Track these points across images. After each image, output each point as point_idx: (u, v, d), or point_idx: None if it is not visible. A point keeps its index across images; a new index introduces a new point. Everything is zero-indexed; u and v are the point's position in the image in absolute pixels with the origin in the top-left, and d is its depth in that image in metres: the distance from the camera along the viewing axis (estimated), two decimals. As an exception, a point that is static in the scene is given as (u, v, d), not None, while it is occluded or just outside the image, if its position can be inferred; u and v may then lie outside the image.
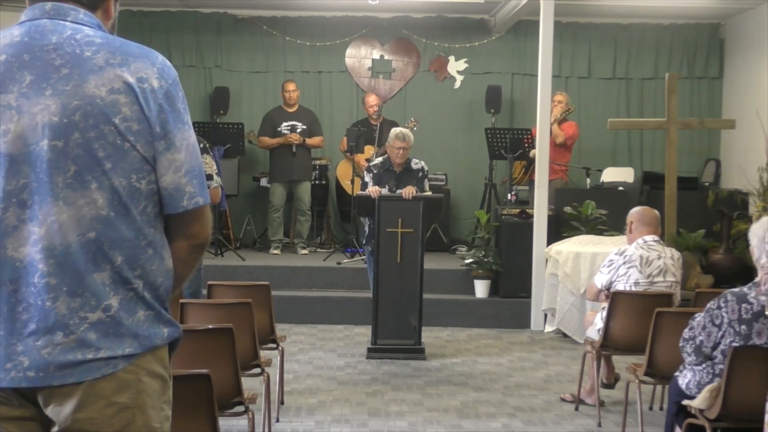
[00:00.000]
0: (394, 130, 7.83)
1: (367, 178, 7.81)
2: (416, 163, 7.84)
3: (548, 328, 8.74)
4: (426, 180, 7.85)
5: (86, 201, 2.12)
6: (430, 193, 7.85)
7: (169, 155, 2.20)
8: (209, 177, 6.05)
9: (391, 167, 7.79)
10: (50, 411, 2.11)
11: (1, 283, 2.09)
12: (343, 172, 10.91)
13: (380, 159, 7.97)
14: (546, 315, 8.78)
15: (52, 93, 2.12)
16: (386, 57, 11.83)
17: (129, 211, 2.15)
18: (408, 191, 7.47)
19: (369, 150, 10.42)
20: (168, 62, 2.28)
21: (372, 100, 10.76)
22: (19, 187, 2.10)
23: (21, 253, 2.10)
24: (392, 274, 7.50)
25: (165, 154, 2.19)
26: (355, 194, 8.42)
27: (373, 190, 7.55)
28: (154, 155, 2.19)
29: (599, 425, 5.78)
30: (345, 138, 10.67)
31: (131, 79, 2.16)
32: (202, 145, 6.16)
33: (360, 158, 10.29)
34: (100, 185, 2.12)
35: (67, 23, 2.20)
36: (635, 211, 6.01)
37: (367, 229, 7.93)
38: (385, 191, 7.60)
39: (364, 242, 8.21)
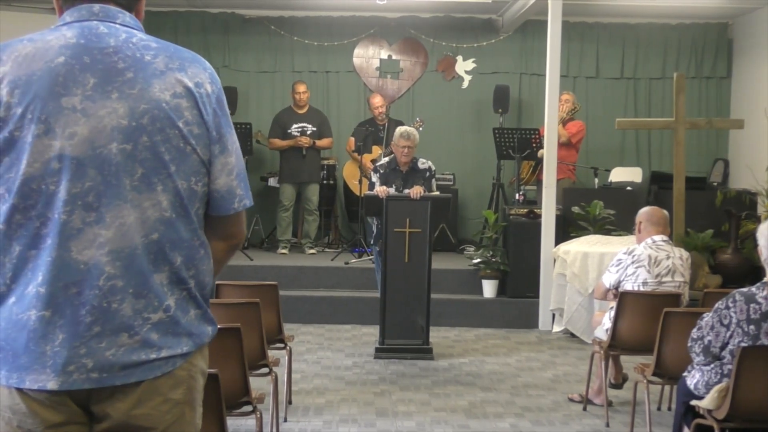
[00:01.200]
0: (399, 129, 7.82)
1: (374, 178, 7.80)
2: (423, 163, 7.83)
3: (556, 328, 8.74)
4: (433, 180, 7.84)
5: (152, 203, 2.15)
6: (437, 193, 7.84)
7: (222, 158, 2.26)
8: None
9: (397, 167, 7.78)
10: (105, 407, 2.13)
11: (65, 286, 2.09)
12: (349, 172, 10.90)
13: (386, 159, 7.96)
14: (554, 315, 8.78)
15: (119, 96, 2.14)
16: (394, 57, 11.83)
17: (188, 213, 2.20)
18: (416, 191, 7.46)
19: (376, 150, 10.41)
20: (212, 68, 2.33)
21: (377, 101, 10.74)
22: (85, 189, 2.11)
23: (86, 256, 2.10)
24: (400, 274, 7.50)
25: (219, 157, 2.25)
26: (362, 194, 8.42)
27: (380, 190, 7.55)
28: (210, 158, 2.24)
29: (607, 425, 5.77)
30: (351, 138, 10.68)
31: (190, 84, 2.20)
32: None
33: (366, 159, 10.28)
34: (165, 188, 2.16)
35: (118, 26, 2.22)
36: (644, 211, 6.00)
37: (375, 229, 7.93)
38: (392, 191, 7.60)
39: (372, 242, 8.21)
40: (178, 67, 2.20)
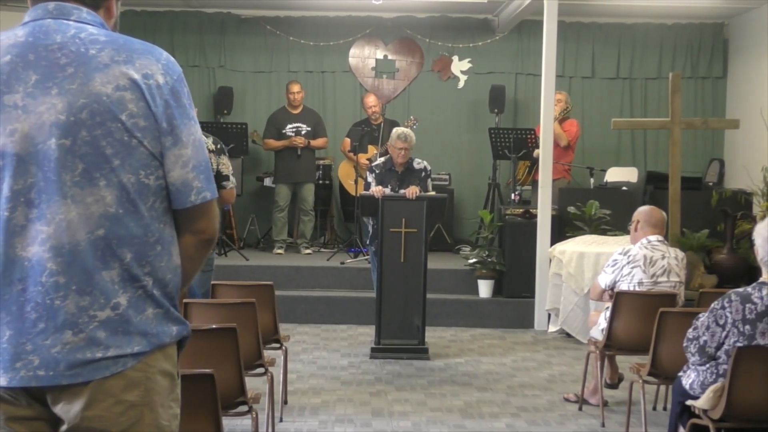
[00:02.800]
0: (396, 131, 7.82)
1: (370, 178, 7.81)
2: (419, 163, 7.83)
3: (552, 328, 8.74)
4: (429, 180, 7.84)
5: (94, 198, 2.12)
6: (433, 192, 7.84)
7: (176, 150, 2.21)
8: (226, 177, 6.01)
9: (393, 167, 7.79)
10: (59, 409, 2.12)
11: (10, 282, 2.10)
12: (344, 172, 10.90)
13: (382, 159, 7.96)
14: (549, 315, 8.78)
15: (58, 92, 2.13)
16: (390, 57, 11.83)
17: (137, 208, 2.16)
18: (411, 191, 7.46)
19: (372, 150, 10.40)
20: (172, 58, 2.30)
21: (371, 101, 10.74)
22: (26, 186, 2.11)
23: (29, 252, 2.10)
24: (396, 274, 7.50)
25: (172, 149, 2.20)
26: (358, 194, 8.40)
27: (376, 190, 7.55)
28: (162, 151, 2.20)
29: (603, 425, 5.77)
30: (346, 139, 10.68)
31: (137, 76, 2.17)
32: (219, 146, 6.13)
33: (361, 158, 10.28)
34: (108, 182, 2.13)
35: (71, 22, 2.21)
36: (643, 211, 5.99)
37: (371, 229, 7.93)
38: (387, 191, 7.60)
39: (368, 242, 8.21)
40: (124, 60, 2.18)
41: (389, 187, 7.66)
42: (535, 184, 9.89)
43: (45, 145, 2.11)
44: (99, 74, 2.15)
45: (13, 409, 2.12)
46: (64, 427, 2.13)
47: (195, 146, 2.24)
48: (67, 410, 2.12)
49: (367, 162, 9.81)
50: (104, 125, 2.13)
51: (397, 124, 9.52)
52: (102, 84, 2.14)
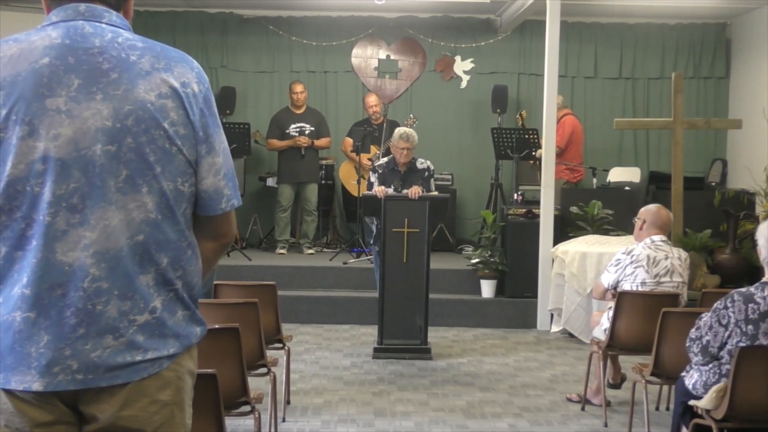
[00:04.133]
0: (398, 130, 7.82)
1: (373, 178, 7.81)
2: (422, 163, 7.83)
3: (554, 328, 8.74)
4: (432, 180, 7.84)
5: (137, 204, 2.14)
6: (436, 192, 7.84)
7: (209, 159, 2.24)
8: None
9: (396, 167, 7.79)
10: (92, 409, 2.13)
11: (50, 288, 2.09)
12: (345, 173, 10.89)
13: (385, 159, 7.96)
14: (552, 315, 8.78)
15: (103, 97, 2.13)
16: (392, 57, 11.83)
17: (174, 214, 2.19)
18: (414, 191, 7.46)
19: (373, 150, 10.39)
20: (201, 67, 2.32)
21: (372, 100, 10.72)
22: (69, 191, 2.10)
23: (70, 257, 2.09)
24: (398, 274, 7.50)
25: (206, 157, 2.24)
26: (361, 194, 8.39)
27: (379, 190, 7.55)
28: (197, 159, 2.22)
29: (605, 425, 5.77)
30: (348, 139, 10.67)
31: (176, 84, 2.19)
32: None
33: (363, 158, 10.28)
34: (150, 189, 2.15)
35: (104, 25, 2.21)
36: (650, 211, 5.96)
37: (374, 228, 7.93)
38: (390, 191, 7.60)
39: (371, 242, 8.21)
40: (164, 67, 2.19)
41: (392, 186, 7.66)
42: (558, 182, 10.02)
43: (90, 150, 2.11)
44: (142, 81, 2.15)
45: (40, 414, 2.11)
46: (94, 427, 2.15)
47: (225, 154, 2.29)
48: (103, 410, 2.13)
49: (370, 162, 9.82)
50: (149, 132, 2.14)
51: (398, 124, 9.52)
52: (146, 91, 2.15)
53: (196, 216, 2.28)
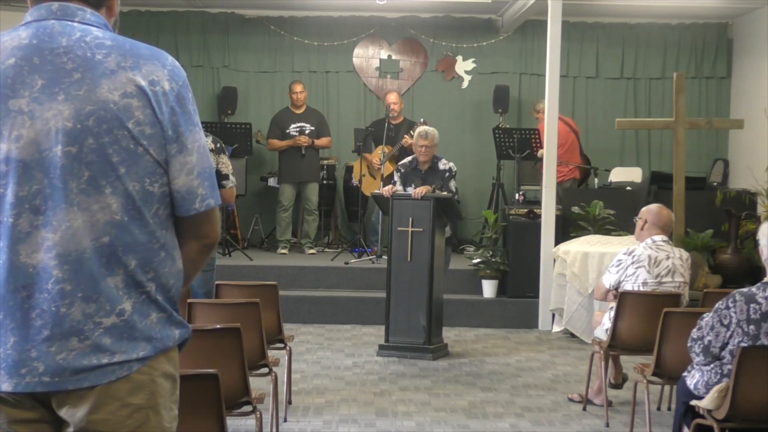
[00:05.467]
0: (419, 129, 7.88)
1: (396, 177, 7.87)
2: (444, 164, 7.83)
3: (556, 328, 8.74)
4: (452, 180, 7.81)
5: (100, 206, 2.11)
6: (454, 191, 7.78)
7: (181, 158, 2.19)
8: (225, 177, 5.99)
9: (417, 166, 7.82)
10: (64, 413, 2.12)
11: (15, 289, 2.08)
12: (358, 171, 10.80)
13: (408, 159, 8.02)
14: (554, 315, 8.77)
15: (65, 98, 2.11)
16: (394, 57, 11.83)
17: (142, 215, 2.15)
18: (418, 191, 7.46)
19: (383, 150, 10.34)
20: (177, 63, 2.27)
21: (392, 98, 10.65)
22: (32, 193, 2.09)
23: (34, 259, 2.09)
24: (403, 273, 7.50)
25: (177, 157, 2.19)
26: (371, 193, 8.36)
27: (385, 189, 7.59)
28: (167, 158, 2.18)
29: (607, 425, 5.77)
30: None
31: (143, 83, 2.15)
32: (218, 145, 6.11)
33: (373, 157, 10.30)
34: (114, 190, 2.12)
35: (75, 24, 2.18)
36: (651, 212, 5.94)
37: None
38: (400, 190, 7.63)
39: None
40: (131, 66, 2.16)
41: (413, 185, 7.67)
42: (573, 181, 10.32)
43: (51, 151, 2.10)
44: (106, 80, 2.13)
45: (16, 412, 2.12)
46: (69, 430, 2.14)
47: (200, 153, 2.23)
48: (73, 414, 2.12)
49: (378, 162, 9.87)
50: (111, 133, 2.11)
51: (413, 125, 9.56)
52: (109, 91, 2.12)
53: (177, 217, 2.24)
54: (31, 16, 2.20)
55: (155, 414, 2.19)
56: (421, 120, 10.21)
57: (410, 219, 7.47)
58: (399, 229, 7.50)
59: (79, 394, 2.10)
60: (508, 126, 10.99)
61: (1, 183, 2.09)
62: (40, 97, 2.11)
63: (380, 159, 10.02)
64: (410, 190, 7.62)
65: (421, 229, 7.47)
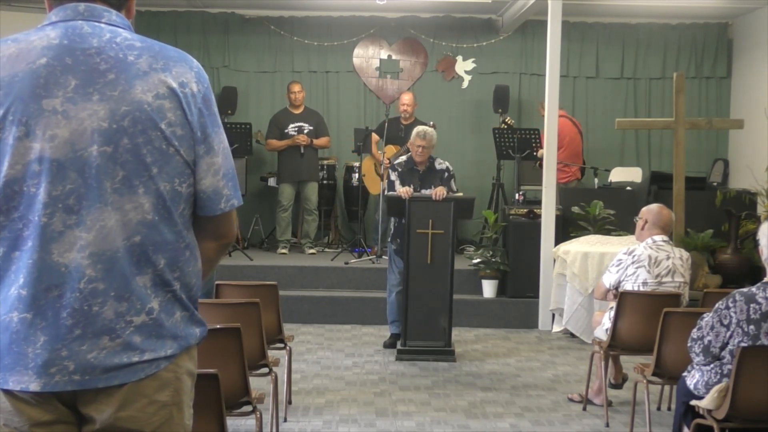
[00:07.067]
0: (416, 129, 7.78)
1: (393, 176, 7.75)
2: (440, 164, 7.77)
3: (556, 328, 8.74)
4: (453, 180, 7.74)
5: (133, 206, 2.13)
6: (461, 194, 7.74)
7: (208, 159, 2.23)
8: None
9: (414, 166, 7.75)
10: (91, 410, 2.14)
11: (47, 288, 2.09)
12: (367, 168, 10.77)
13: (404, 158, 7.90)
14: (554, 315, 8.77)
15: (100, 98, 2.12)
16: (394, 57, 11.83)
17: (171, 215, 2.18)
18: (439, 192, 7.38)
19: (392, 150, 10.33)
20: (200, 66, 2.30)
21: (406, 98, 10.64)
22: (65, 192, 2.10)
23: (66, 258, 2.09)
24: (422, 275, 7.41)
25: (204, 158, 2.23)
26: (385, 194, 8.29)
27: (403, 190, 7.46)
28: (195, 159, 2.21)
29: (607, 425, 5.77)
30: (374, 134, 10.57)
31: (174, 84, 2.18)
32: None
33: (387, 154, 10.32)
34: (146, 190, 2.14)
35: (103, 25, 2.20)
36: (652, 212, 5.94)
37: (392, 227, 7.86)
38: (411, 190, 7.59)
39: (389, 240, 8.08)
40: (162, 67, 2.18)
41: (411, 186, 7.61)
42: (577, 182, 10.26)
43: (86, 151, 2.10)
44: (139, 81, 2.15)
45: (39, 414, 2.12)
46: (92, 427, 2.15)
47: (224, 154, 2.27)
48: (101, 411, 2.13)
49: (388, 161, 9.87)
50: (145, 133, 2.13)
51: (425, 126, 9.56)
52: (143, 92, 2.14)
53: (197, 216, 2.27)
54: (57, 16, 2.21)
55: (178, 411, 2.24)
56: (431, 123, 10.21)
57: (430, 221, 7.41)
58: (418, 231, 7.42)
59: (108, 392, 2.12)
60: (513, 123, 10.94)
61: (33, 182, 2.09)
62: (74, 97, 2.11)
63: (390, 159, 9.99)
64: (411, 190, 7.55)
65: (442, 231, 7.42)
